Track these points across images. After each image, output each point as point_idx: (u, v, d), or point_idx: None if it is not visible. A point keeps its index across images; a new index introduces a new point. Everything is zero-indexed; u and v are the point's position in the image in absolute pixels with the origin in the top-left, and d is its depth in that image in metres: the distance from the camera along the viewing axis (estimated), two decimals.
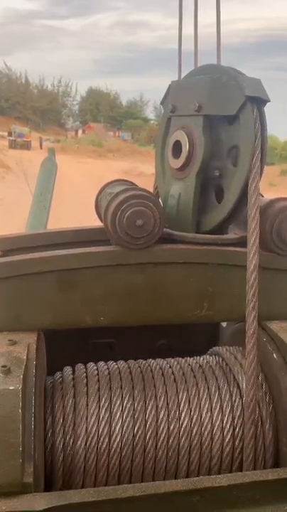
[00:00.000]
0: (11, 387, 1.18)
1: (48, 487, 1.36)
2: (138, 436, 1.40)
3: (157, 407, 1.44)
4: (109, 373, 1.52)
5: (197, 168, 1.59)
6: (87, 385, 1.47)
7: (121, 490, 1.17)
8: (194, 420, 1.43)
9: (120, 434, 1.39)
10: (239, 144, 1.50)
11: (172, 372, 1.53)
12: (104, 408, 1.42)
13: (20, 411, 1.16)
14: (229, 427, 1.43)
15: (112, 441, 1.39)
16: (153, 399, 1.45)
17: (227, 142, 1.56)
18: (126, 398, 1.44)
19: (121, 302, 1.51)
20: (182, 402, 1.45)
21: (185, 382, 1.50)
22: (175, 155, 1.68)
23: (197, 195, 1.62)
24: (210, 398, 1.47)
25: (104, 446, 1.38)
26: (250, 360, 1.40)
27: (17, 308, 1.48)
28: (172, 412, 1.43)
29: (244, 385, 1.44)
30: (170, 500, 1.18)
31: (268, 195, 1.67)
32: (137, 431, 1.40)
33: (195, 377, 1.52)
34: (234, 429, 1.43)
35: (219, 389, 1.49)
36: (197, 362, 1.59)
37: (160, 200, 1.80)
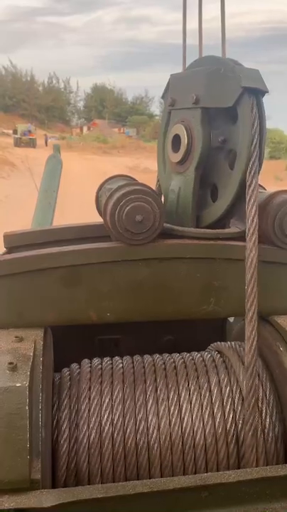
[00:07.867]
0: (17, 384, 1.18)
1: (56, 483, 1.37)
2: (150, 432, 1.39)
3: (167, 402, 1.43)
4: (116, 369, 1.51)
5: (196, 162, 1.58)
6: (94, 381, 1.47)
7: (129, 486, 1.16)
8: (201, 415, 1.42)
9: (129, 431, 1.39)
10: (237, 136, 1.48)
11: (184, 367, 1.53)
12: (115, 405, 1.41)
13: (27, 408, 1.16)
14: (237, 422, 1.43)
15: (122, 437, 1.38)
16: (161, 395, 1.44)
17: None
18: (135, 394, 1.44)
19: (126, 298, 1.50)
20: (194, 397, 1.44)
21: (196, 376, 1.49)
22: (175, 149, 1.66)
23: (196, 189, 1.60)
24: (221, 392, 1.46)
25: (113, 442, 1.38)
26: (250, 354, 1.39)
27: (23, 304, 1.48)
28: (184, 407, 1.43)
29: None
30: (179, 496, 1.18)
31: (275, 189, 1.65)
32: (147, 427, 1.39)
33: (203, 371, 1.51)
34: (240, 425, 1.43)
35: (226, 383, 1.48)
36: (202, 357, 1.59)
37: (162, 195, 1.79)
